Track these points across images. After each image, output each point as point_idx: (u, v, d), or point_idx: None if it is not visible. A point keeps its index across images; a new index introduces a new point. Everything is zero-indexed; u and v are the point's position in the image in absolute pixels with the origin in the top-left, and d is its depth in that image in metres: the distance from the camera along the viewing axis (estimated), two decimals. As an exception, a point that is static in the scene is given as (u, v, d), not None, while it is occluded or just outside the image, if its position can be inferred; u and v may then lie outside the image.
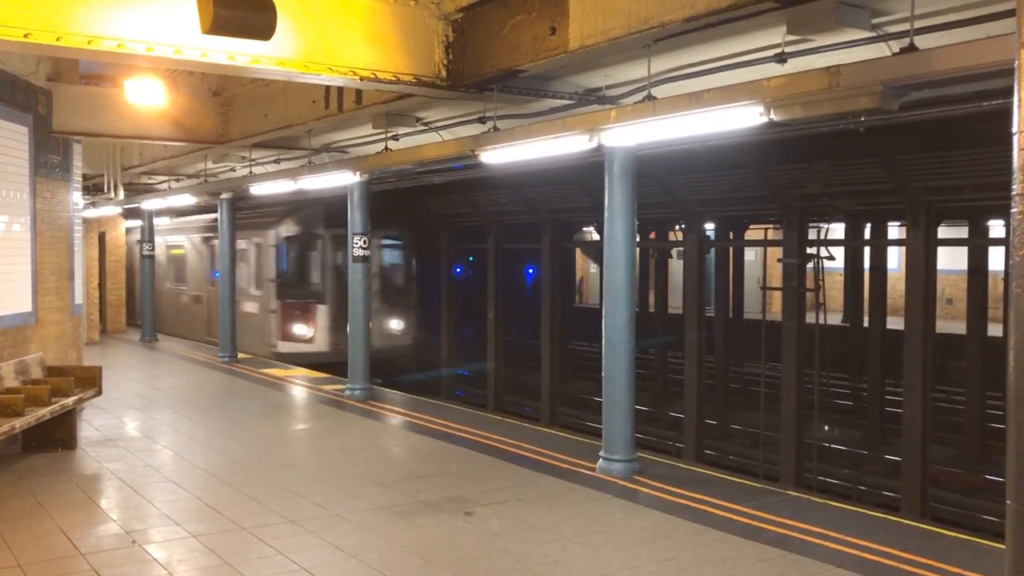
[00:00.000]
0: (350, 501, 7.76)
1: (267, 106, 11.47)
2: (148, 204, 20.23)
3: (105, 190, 18.17)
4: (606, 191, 8.64)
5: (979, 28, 5.92)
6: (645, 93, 7.71)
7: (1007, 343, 3.23)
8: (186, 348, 20.02)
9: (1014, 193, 3.15)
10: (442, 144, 10.84)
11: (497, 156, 9.26)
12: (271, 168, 15.94)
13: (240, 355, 17.84)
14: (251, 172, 15.98)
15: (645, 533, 6.92)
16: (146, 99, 10.57)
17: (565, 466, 8.95)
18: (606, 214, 8.64)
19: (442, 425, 11.05)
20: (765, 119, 6.50)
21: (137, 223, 23.31)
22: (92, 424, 11.06)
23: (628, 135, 7.91)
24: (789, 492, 7.98)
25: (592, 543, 6.68)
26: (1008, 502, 3.19)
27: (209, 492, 8.06)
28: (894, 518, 7.19)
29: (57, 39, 6.20)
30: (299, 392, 13.86)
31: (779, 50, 6.73)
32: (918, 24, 5.96)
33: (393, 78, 7.58)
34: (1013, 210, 3.16)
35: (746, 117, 6.68)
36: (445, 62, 7.90)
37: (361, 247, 12.78)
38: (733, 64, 7.54)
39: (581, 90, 8.93)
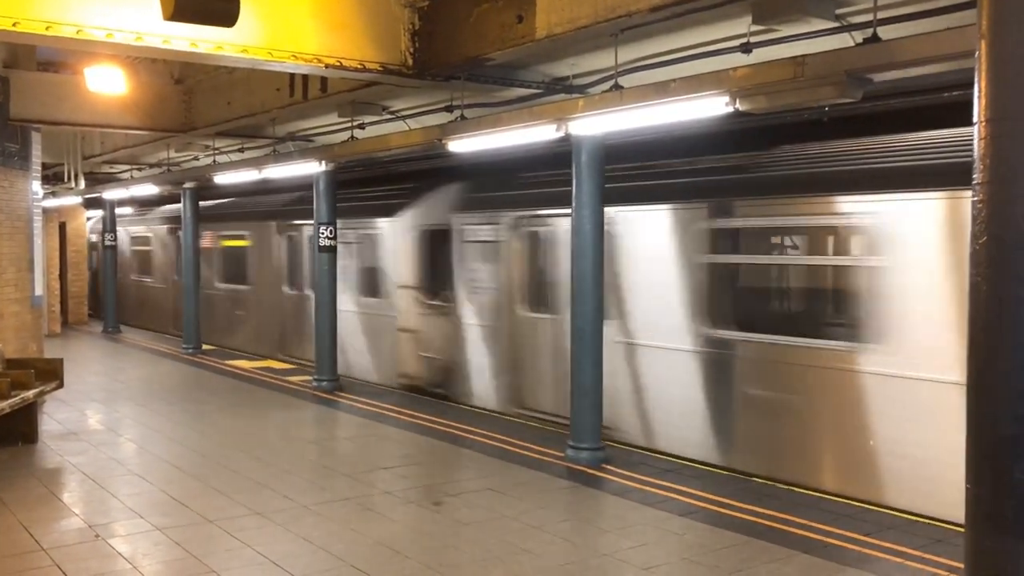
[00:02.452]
0: (317, 492, 7.72)
1: (231, 94, 11.34)
2: (110, 194, 19.93)
3: (65, 179, 17.87)
4: (573, 181, 8.63)
5: (941, 19, 6.00)
6: (612, 82, 7.74)
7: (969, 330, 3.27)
8: (149, 340, 19.77)
9: (975, 182, 3.18)
10: (409, 133, 10.79)
11: (465, 145, 9.24)
12: (235, 157, 15.78)
13: (204, 346, 17.67)
14: (215, 161, 15.80)
15: (613, 521, 6.96)
16: (106, 87, 10.42)
17: (533, 455, 8.97)
18: (573, 204, 8.64)
19: (409, 415, 11.03)
20: (731, 108, 6.56)
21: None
22: (54, 417, 10.89)
23: (596, 124, 7.93)
24: (755, 479, 8.07)
25: (561, 531, 6.70)
26: (967, 486, 3.24)
27: (174, 485, 7.98)
28: (858, 504, 7.30)
29: (14, 24, 6.08)
30: (265, 384, 13.75)
31: (744, 40, 6.77)
32: (881, 15, 6.03)
33: (359, 66, 7.53)
34: (974, 199, 3.19)
35: (713, 106, 6.74)
36: (411, 50, 7.86)
37: (327, 237, 12.71)
38: (699, 54, 7.59)
39: (548, 79, 8.94)
